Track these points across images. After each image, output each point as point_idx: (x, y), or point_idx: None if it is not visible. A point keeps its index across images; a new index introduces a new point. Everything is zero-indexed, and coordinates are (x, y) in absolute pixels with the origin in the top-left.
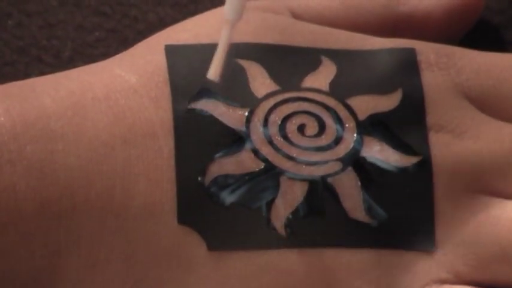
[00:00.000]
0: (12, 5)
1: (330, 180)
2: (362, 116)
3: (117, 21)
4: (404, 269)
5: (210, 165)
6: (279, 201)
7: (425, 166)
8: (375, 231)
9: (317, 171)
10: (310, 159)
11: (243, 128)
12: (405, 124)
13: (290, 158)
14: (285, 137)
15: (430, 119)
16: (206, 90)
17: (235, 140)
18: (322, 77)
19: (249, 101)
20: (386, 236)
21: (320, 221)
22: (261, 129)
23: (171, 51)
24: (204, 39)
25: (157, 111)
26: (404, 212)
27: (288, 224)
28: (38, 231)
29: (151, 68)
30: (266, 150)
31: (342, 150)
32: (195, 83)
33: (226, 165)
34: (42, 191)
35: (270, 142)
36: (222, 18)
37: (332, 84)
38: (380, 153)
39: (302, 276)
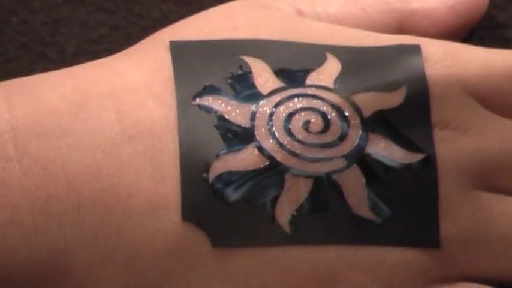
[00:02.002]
0: (17, 2)
1: (334, 177)
2: (367, 112)
3: (121, 17)
4: (408, 266)
5: (214, 162)
6: (283, 198)
7: (429, 163)
8: (379, 228)
9: (322, 168)
10: (315, 155)
11: (248, 125)
12: (410, 121)
13: (295, 154)
14: (290, 134)
15: (435, 116)
16: (211, 87)
17: (239, 136)
18: (327, 74)
19: (254, 98)
20: (390, 233)
21: (324, 217)
22: (266, 126)
23: (176, 47)
24: (208, 36)
25: (161, 108)
26: (409, 209)
27: (293, 221)
28: (43, 229)
29: (155, 65)
30: (271, 147)
31: (347, 147)
32: (199, 79)
33: (230, 162)
34: (46, 188)
35: (275, 139)
36: None
37: (337, 81)
38: (385, 150)
39: (306, 273)
